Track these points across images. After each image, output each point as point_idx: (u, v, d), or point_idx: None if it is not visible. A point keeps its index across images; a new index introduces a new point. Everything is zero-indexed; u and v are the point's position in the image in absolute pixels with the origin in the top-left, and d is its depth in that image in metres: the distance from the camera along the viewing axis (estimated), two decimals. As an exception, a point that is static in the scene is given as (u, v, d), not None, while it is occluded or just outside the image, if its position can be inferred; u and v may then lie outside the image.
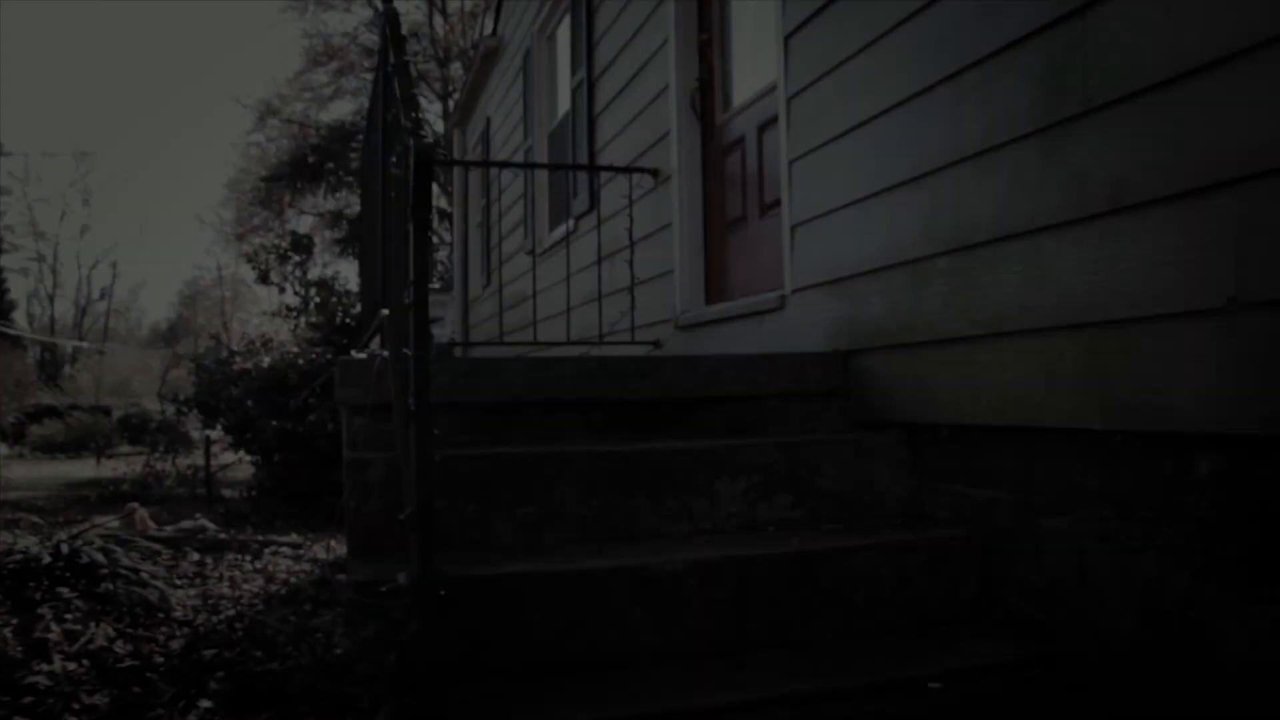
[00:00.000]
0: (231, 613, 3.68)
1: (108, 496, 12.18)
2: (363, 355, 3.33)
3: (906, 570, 2.82)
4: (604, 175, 6.70)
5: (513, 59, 10.36)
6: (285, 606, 3.68)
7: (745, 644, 2.63)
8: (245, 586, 4.24)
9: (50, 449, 24.77)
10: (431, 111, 27.96)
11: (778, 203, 4.39)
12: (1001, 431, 2.86)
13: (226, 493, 11.52)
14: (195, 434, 15.00)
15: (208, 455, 13.29)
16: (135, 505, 5.93)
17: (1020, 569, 2.79)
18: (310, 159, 24.52)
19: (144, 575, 3.67)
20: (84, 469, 17.42)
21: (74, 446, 23.58)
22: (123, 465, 14.81)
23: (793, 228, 4.02)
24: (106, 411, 27.72)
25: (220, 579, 4.39)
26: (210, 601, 3.93)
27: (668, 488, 2.96)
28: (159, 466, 13.84)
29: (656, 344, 5.48)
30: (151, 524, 5.94)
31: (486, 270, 12.05)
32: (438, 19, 28.81)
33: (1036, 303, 2.66)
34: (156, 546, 4.70)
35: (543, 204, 8.88)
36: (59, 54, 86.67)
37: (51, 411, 27.73)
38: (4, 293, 45.03)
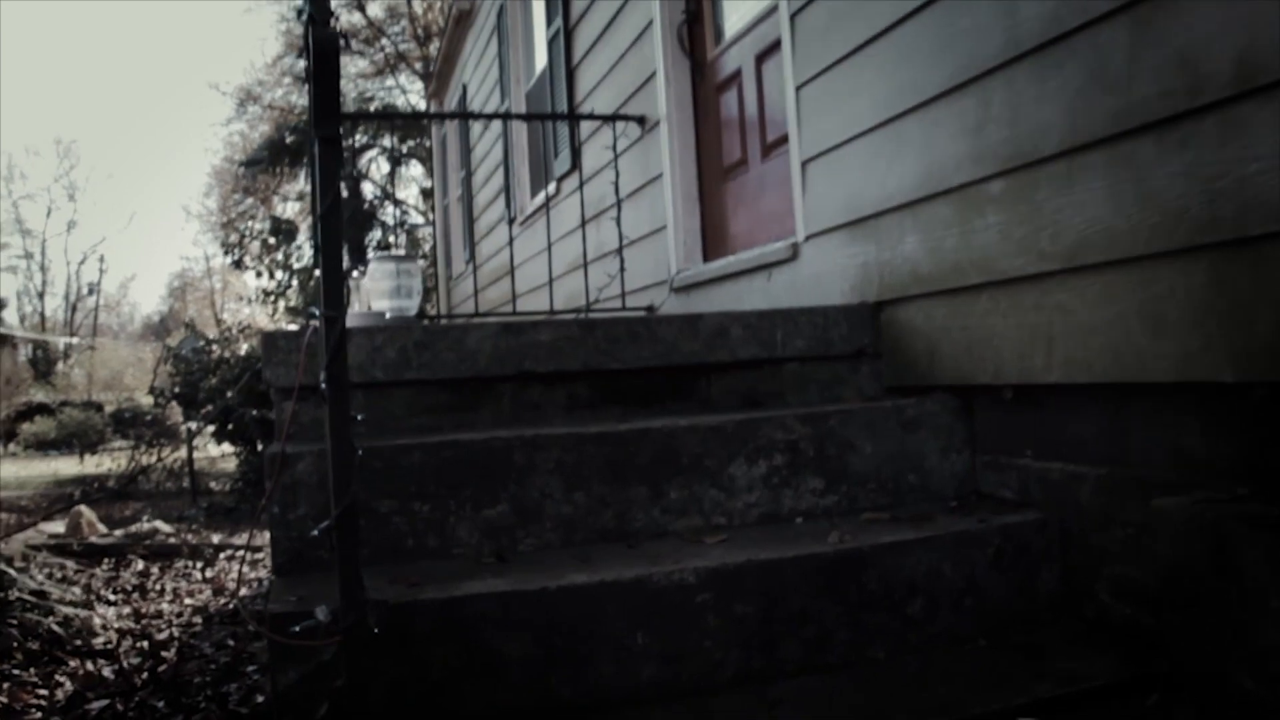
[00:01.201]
0: (164, 635, 3.12)
1: (91, 494, 11.70)
2: (293, 327, 2.75)
3: (971, 567, 2.26)
4: (586, 130, 6.11)
5: (487, 18, 9.74)
6: (226, 627, 3.13)
7: (777, 671, 2.08)
8: (189, 601, 3.68)
9: (42, 446, 24.38)
10: (414, 91, 27.31)
11: (784, 139, 3.81)
12: (1084, 391, 2.29)
13: (214, 485, 10.99)
14: (186, 427, 14.51)
15: (190, 448, 12.76)
16: (80, 508, 5.38)
17: (1116, 561, 2.23)
18: (289, 140, 23.78)
19: (53, 599, 3.11)
20: (75, 466, 16.89)
21: (66, 443, 23.13)
22: (108, 461, 14.32)
23: (804, 164, 3.45)
24: (99, 407, 27.23)
25: (162, 592, 3.83)
26: (144, 622, 3.37)
27: (671, 475, 2.40)
28: (145, 461, 13.35)
29: (650, 309, 4.91)
30: (100, 527, 5.38)
31: (469, 245, 11.46)
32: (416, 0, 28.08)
33: (1131, 225, 2.09)
34: (103, 548, 4.14)
35: (522, 169, 8.28)
36: (38, 48, 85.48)
37: (43, 409, 27.31)
38: (-7, 293, 44.32)
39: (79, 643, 2.92)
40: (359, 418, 1.73)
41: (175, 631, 3.15)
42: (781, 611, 2.09)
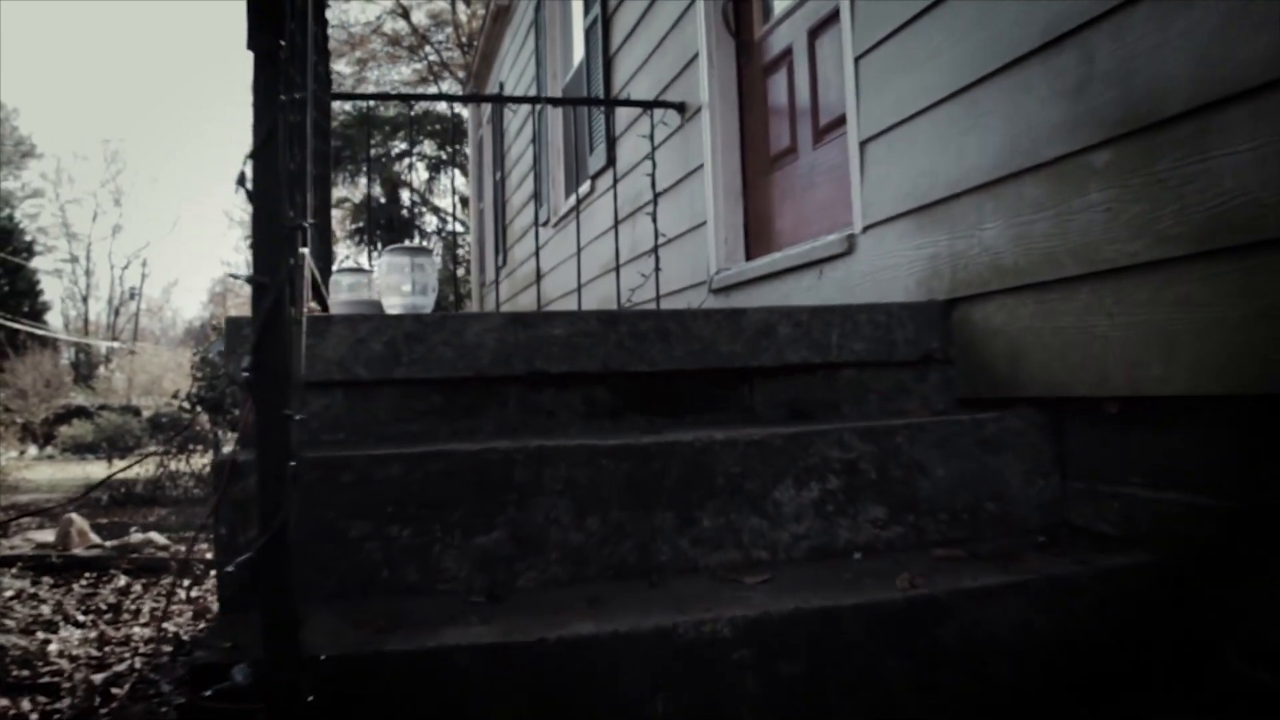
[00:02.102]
0: (124, 666, 2.75)
1: (119, 499, 11.46)
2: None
3: (1070, 619, 1.83)
4: (621, 122, 5.72)
5: (525, 13, 9.40)
6: (192, 657, 2.75)
7: (831, 748, 1.66)
8: (166, 625, 3.31)
9: (79, 449, 24.40)
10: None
11: (838, 122, 3.41)
12: (1215, 405, 1.86)
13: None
14: (213, 432, 14.29)
15: (217, 454, 12.49)
16: (72, 516, 5.05)
17: (1252, 617, 1.79)
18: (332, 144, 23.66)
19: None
20: (113, 470, 16.71)
21: (102, 447, 23.10)
22: (138, 466, 14.12)
23: (863, 144, 3.03)
24: (136, 412, 27.24)
25: (138, 614, 3.47)
26: (108, 649, 3.00)
27: (704, 499, 1.99)
28: (174, 467, 13.11)
29: (687, 312, 4.51)
30: (92, 536, 5.04)
31: (502, 251, 11.12)
32: (461, 6, 27.92)
33: (1288, 196, 1.66)
34: (85, 560, 3.78)
35: (557, 169, 7.92)
36: (86, 52, 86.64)
37: (82, 412, 27.39)
38: (36, 295, 44.71)
39: (24, 673, 2.55)
40: (341, 420, 1.34)
41: (137, 662, 2.78)
42: (838, 673, 1.68)
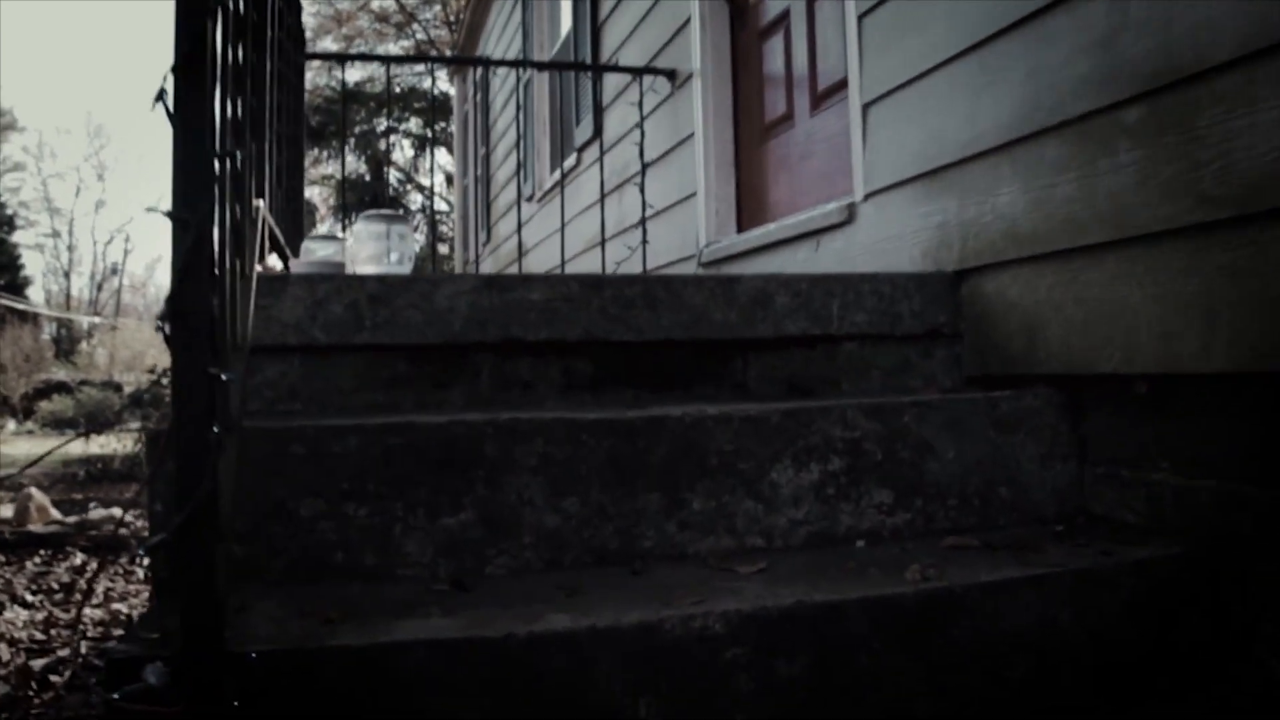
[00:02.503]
0: (66, 652, 2.56)
1: (96, 475, 11.23)
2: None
3: (1098, 616, 1.66)
4: (609, 92, 5.53)
5: (511, -16, 9.18)
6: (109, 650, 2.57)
7: (833, 758, 1.49)
8: (118, 606, 3.12)
9: (59, 425, 24.12)
10: (442, 78, 26.88)
11: (840, 85, 3.22)
12: (1267, 383, 1.69)
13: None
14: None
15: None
16: (31, 490, 4.84)
17: (1298, 617, 1.63)
18: (313, 121, 23.28)
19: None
20: (90, 445, 16.45)
21: (82, 422, 22.80)
22: (114, 441, 13.87)
23: (866, 108, 2.85)
24: (118, 387, 26.93)
25: (91, 594, 3.27)
26: (54, 632, 2.81)
27: (694, 479, 1.81)
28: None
29: (675, 287, 4.32)
30: (53, 512, 4.84)
31: (486, 227, 10.92)
32: (449, -16, 27.59)
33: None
34: (41, 537, 3.59)
35: (542, 142, 7.71)
36: (69, 27, 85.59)
37: (63, 387, 27.07)
38: (18, 269, 44.20)
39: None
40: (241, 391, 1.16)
41: (83, 647, 2.59)
42: (842, 674, 1.50)
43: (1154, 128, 1.84)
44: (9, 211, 43.74)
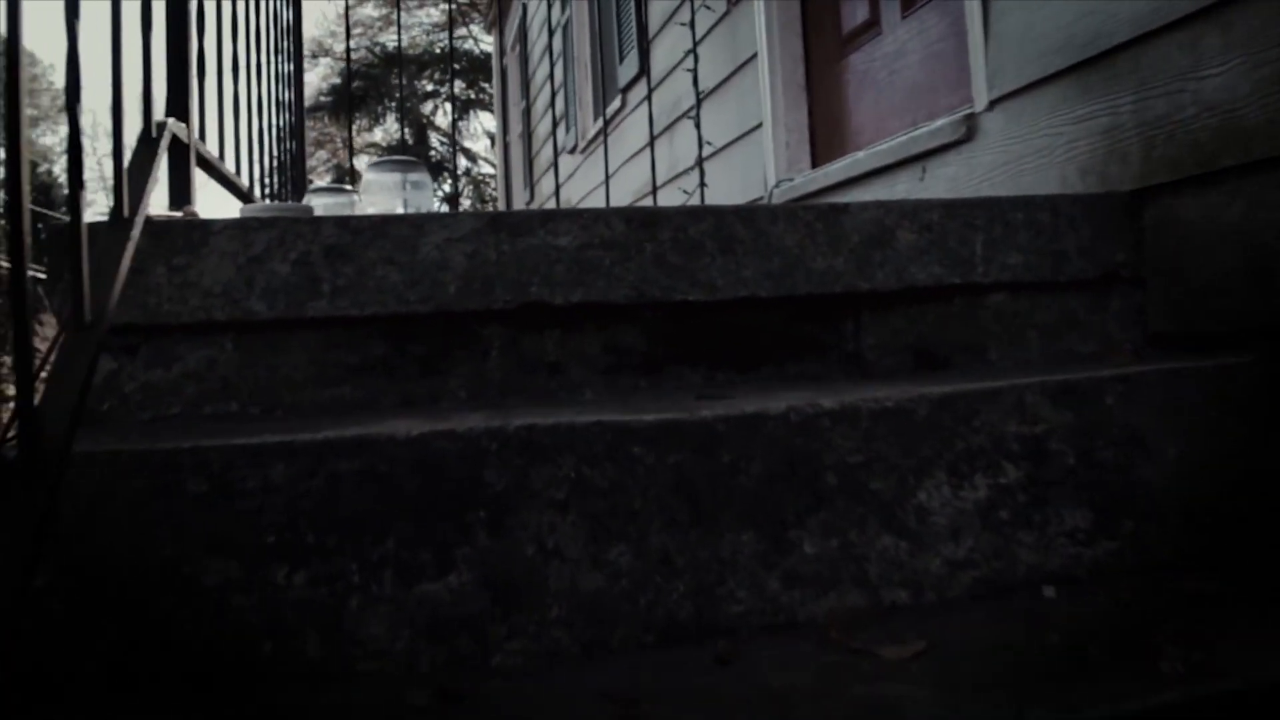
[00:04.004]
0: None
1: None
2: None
3: None
4: (655, 18, 4.88)
5: (546, -80, 8.50)
6: None
7: None
8: None
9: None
10: (486, 41, 26.30)
11: (942, -28, 2.57)
12: None
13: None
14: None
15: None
16: None
17: None
18: (354, 85, 22.74)
19: None
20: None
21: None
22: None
23: (990, -14, 2.20)
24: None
25: None
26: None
27: (805, 508, 1.20)
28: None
29: (739, 236, 3.69)
30: None
31: (529, 184, 10.33)
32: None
33: None
34: None
35: (584, 88, 7.07)
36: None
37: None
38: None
39: None
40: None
41: None
42: None
43: None
44: (66, 192, 43.84)
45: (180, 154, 1.60)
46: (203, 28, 1.75)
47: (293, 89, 3.29)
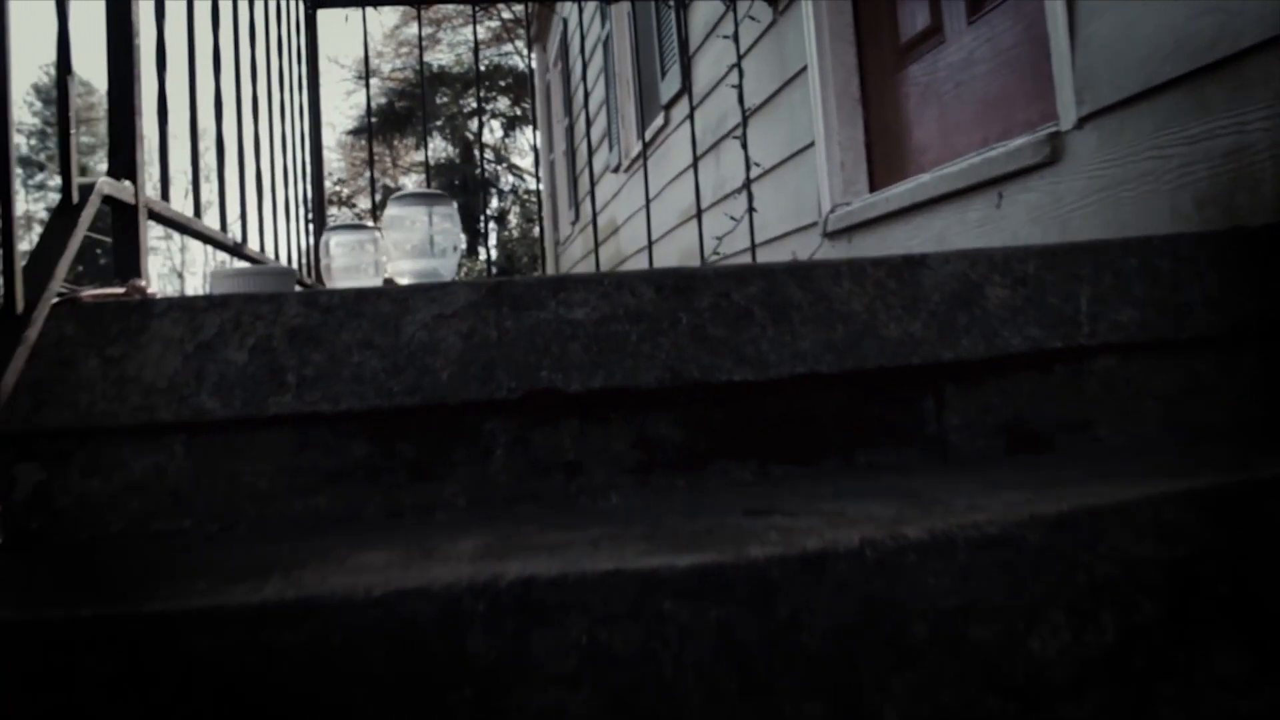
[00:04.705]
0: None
1: None
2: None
3: None
4: (697, 31, 4.63)
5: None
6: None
7: None
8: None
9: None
10: (525, 51, 26.26)
11: (1014, -27, 2.29)
12: None
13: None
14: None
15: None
16: None
17: None
18: (398, 105, 22.76)
19: None
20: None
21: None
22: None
23: (1077, -13, 1.91)
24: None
25: None
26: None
27: (883, 666, 0.93)
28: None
29: (792, 265, 3.41)
30: None
31: (574, 203, 10.12)
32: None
33: None
34: None
35: (626, 104, 6.84)
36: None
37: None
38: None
39: None
40: None
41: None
42: None
43: None
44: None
45: (126, 217, 1.36)
46: (163, 62, 1.52)
47: (308, 120, 3.08)
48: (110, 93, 1.32)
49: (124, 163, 1.34)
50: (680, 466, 1.26)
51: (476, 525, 1.12)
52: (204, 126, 1.84)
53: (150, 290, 1.31)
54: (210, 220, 1.92)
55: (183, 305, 1.17)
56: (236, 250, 2.06)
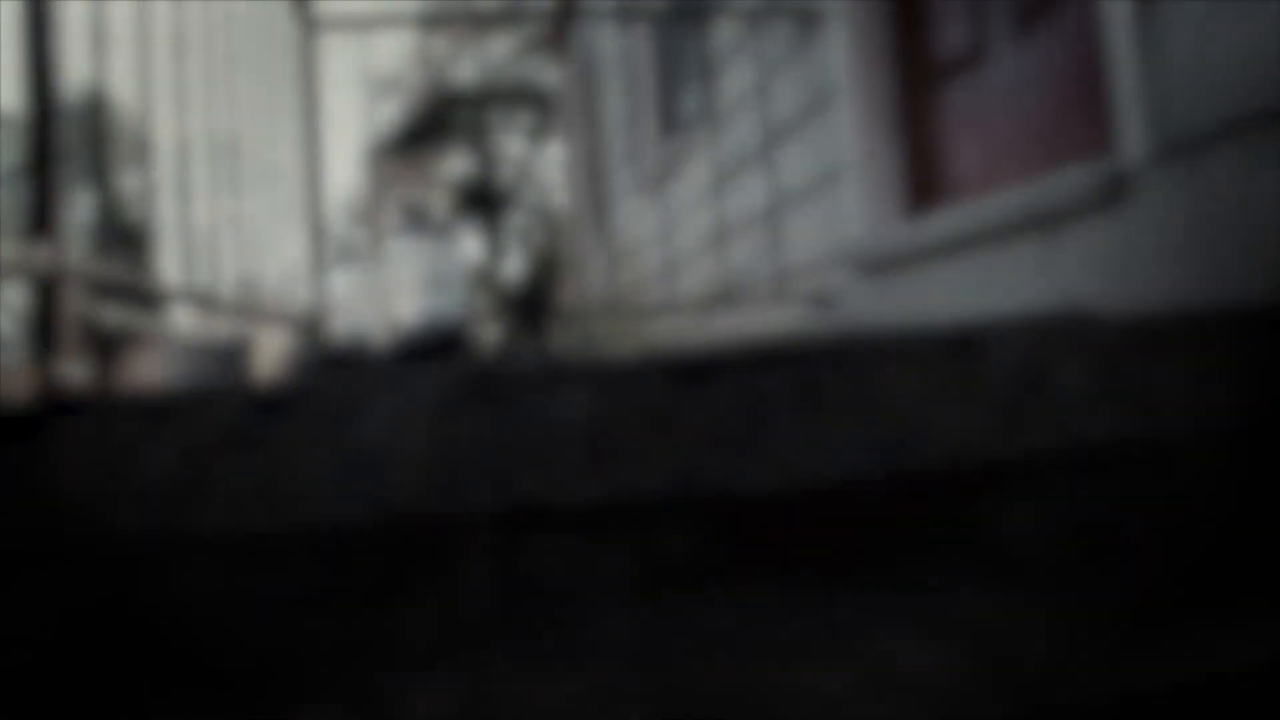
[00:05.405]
0: None
1: None
2: None
3: None
4: (720, 54, 4.43)
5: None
6: None
7: None
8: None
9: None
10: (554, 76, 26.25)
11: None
12: None
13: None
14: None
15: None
16: None
17: None
18: (422, 121, 22.65)
19: None
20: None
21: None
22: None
23: None
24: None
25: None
26: None
27: None
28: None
29: (822, 302, 3.20)
30: None
31: (598, 223, 9.93)
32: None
33: None
34: None
35: (647, 123, 6.64)
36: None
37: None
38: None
39: None
40: None
41: None
42: None
43: None
44: (148, 234, 44.86)
45: (43, 294, 1.17)
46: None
47: (307, 153, 2.90)
48: (31, 145, 1.13)
49: (41, 226, 1.15)
50: (693, 583, 1.05)
51: (444, 669, 0.92)
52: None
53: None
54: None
55: (98, 411, 0.97)
56: (208, 298, 1.87)
